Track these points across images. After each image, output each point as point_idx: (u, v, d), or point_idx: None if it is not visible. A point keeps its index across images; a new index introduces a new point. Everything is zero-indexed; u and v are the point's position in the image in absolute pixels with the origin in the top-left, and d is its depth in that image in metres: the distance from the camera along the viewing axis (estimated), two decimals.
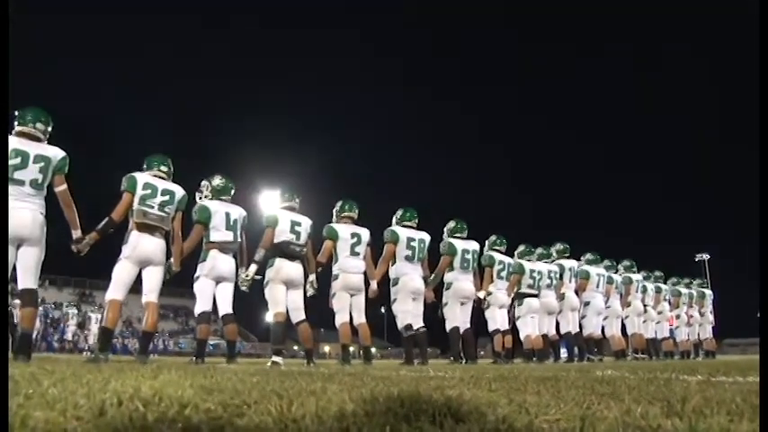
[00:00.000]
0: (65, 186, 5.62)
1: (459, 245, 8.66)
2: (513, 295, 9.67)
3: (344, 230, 7.60)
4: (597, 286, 11.13)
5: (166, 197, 6.24)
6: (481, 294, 8.94)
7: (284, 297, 6.95)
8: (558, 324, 10.61)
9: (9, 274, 5.27)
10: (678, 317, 14.07)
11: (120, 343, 29.26)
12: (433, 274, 8.37)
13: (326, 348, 55.24)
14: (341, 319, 7.47)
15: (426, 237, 8.21)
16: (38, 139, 5.54)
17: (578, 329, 10.73)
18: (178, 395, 1.63)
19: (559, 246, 11.23)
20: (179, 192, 6.40)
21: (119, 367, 3.80)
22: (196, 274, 6.82)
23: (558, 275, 10.50)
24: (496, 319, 9.28)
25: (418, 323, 7.83)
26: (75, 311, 28.43)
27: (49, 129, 5.69)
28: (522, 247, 10.18)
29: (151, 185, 6.17)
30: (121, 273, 6.01)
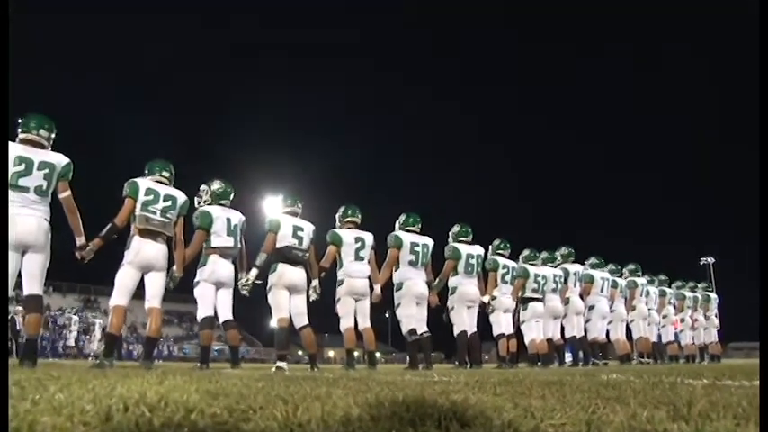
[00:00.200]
0: (69, 193, 5.63)
1: (464, 249, 8.65)
2: (517, 299, 9.65)
3: (348, 235, 7.60)
4: (601, 290, 11.11)
5: (168, 203, 6.24)
6: (485, 299, 8.93)
7: (287, 302, 6.94)
8: (563, 328, 10.59)
9: (14, 280, 5.28)
10: (683, 320, 14.03)
11: (126, 349, 29.24)
12: (438, 279, 8.38)
13: (330, 353, 55.29)
14: (345, 323, 7.45)
15: (430, 241, 8.20)
16: (42, 146, 5.55)
17: (583, 333, 10.71)
18: (184, 400, 1.64)
19: (564, 250, 11.21)
20: (181, 197, 6.40)
21: (124, 373, 3.80)
22: (196, 279, 6.80)
23: (562, 280, 10.49)
24: (501, 324, 9.27)
25: (422, 328, 7.82)
26: (77, 318, 28.52)
27: (53, 135, 5.70)
28: (526, 252, 10.16)
29: (153, 191, 6.17)
30: (124, 278, 6.01)
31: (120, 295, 6.00)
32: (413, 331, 7.69)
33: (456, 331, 8.50)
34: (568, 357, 11.01)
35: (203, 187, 7.12)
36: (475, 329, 8.60)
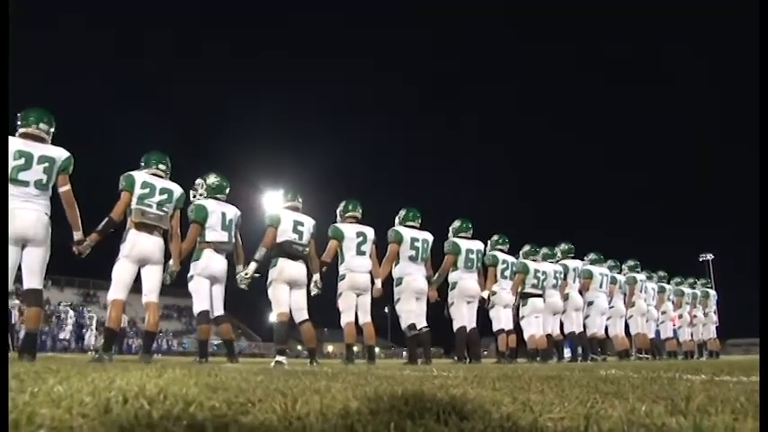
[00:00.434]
0: (68, 187, 5.62)
1: (464, 244, 8.67)
2: (517, 295, 9.66)
3: (350, 230, 7.61)
4: (600, 286, 11.13)
5: (165, 196, 6.23)
6: (485, 294, 8.94)
7: (287, 297, 6.95)
8: (561, 324, 10.61)
9: (14, 274, 5.29)
10: (681, 317, 14.05)
11: (125, 343, 29.25)
12: (437, 274, 8.39)
13: (330, 348, 55.30)
14: (346, 318, 7.47)
15: (430, 237, 8.22)
16: (42, 140, 5.55)
17: (582, 329, 10.73)
18: (183, 393, 1.64)
19: (564, 246, 11.22)
20: (177, 190, 6.39)
21: (123, 366, 3.81)
22: (190, 274, 6.78)
23: (562, 275, 10.50)
24: (501, 319, 9.28)
25: (422, 323, 7.83)
26: (72, 312, 28.51)
27: (53, 129, 5.69)
28: (527, 247, 10.17)
29: (149, 184, 6.16)
30: (121, 272, 6.01)
31: (117, 289, 6.00)
32: (412, 326, 7.70)
33: (455, 326, 8.51)
34: (567, 353, 11.03)
35: (199, 181, 7.10)
36: (474, 325, 8.62)
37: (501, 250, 9.64)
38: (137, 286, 6.18)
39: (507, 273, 9.51)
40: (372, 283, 7.67)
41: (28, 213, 5.24)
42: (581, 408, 1.56)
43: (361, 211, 7.86)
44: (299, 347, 38.31)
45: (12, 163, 5.22)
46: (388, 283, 7.92)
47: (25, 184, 5.27)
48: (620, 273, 12.18)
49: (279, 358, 6.60)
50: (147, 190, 6.11)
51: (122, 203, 6.03)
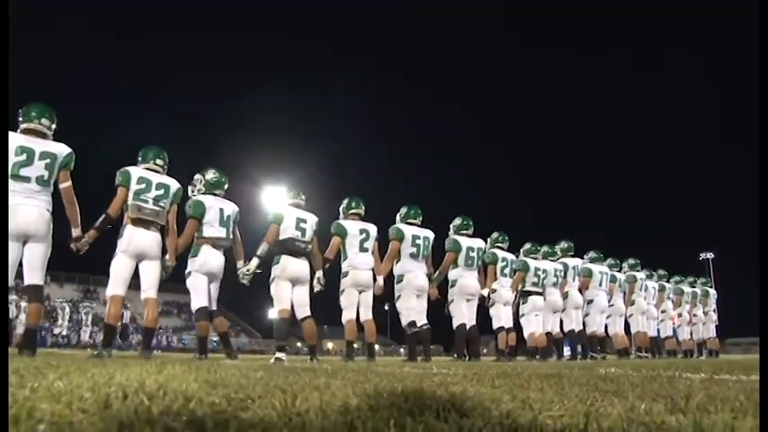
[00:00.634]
0: (69, 183, 5.63)
1: (464, 242, 8.67)
2: (517, 293, 9.67)
3: (353, 227, 7.63)
4: (600, 284, 11.13)
5: (161, 191, 6.21)
6: (485, 292, 8.94)
7: (289, 294, 6.94)
8: (561, 322, 10.61)
9: (15, 270, 5.30)
10: (680, 315, 14.05)
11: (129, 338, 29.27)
12: (438, 272, 8.40)
13: (329, 345, 55.34)
14: (348, 315, 7.48)
15: (431, 234, 8.22)
16: (43, 136, 5.55)
17: (582, 328, 10.73)
18: (182, 389, 1.64)
19: (564, 244, 11.22)
20: (174, 185, 6.37)
21: (123, 362, 3.81)
22: (187, 270, 6.77)
23: (562, 274, 10.50)
24: (501, 317, 9.29)
25: (422, 320, 7.84)
26: (68, 308, 28.58)
27: (54, 125, 5.69)
28: (527, 245, 10.16)
29: (145, 179, 6.13)
30: (119, 267, 5.99)
31: (116, 285, 5.99)
32: (412, 323, 7.71)
33: (455, 324, 8.52)
34: (567, 351, 11.03)
35: (197, 176, 7.08)
36: (474, 322, 8.62)
37: (501, 248, 9.63)
38: (137, 283, 6.17)
39: (507, 270, 9.51)
40: (374, 280, 7.68)
41: (29, 209, 5.26)
42: (580, 406, 1.56)
43: (364, 208, 7.86)
44: (299, 344, 38.37)
45: (13, 159, 5.22)
46: (389, 280, 7.93)
47: (27, 179, 5.27)
48: (619, 271, 12.17)
49: (278, 355, 6.60)
50: (143, 185, 6.09)
51: (119, 199, 6.01)
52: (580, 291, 10.88)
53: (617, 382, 2.69)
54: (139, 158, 6.39)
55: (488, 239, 9.65)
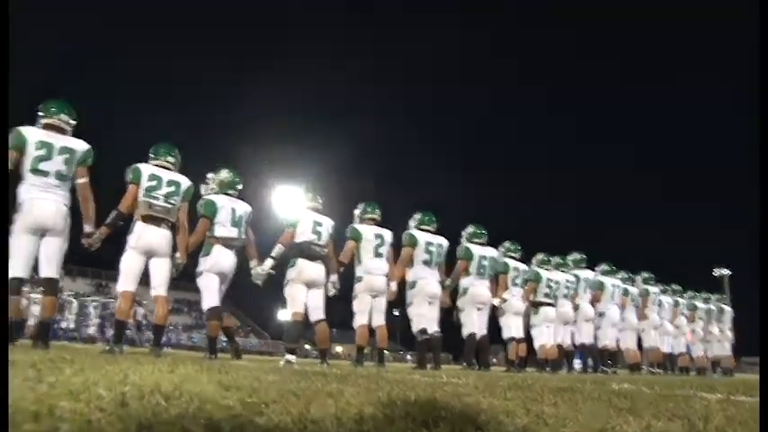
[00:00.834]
0: (86, 179, 5.67)
1: (477, 250, 8.65)
2: (529, 303, 9.61)
3: (368, 232, 7.63)
4: (612, 297, 11.04)
5: (172, 188, 6.18)
6: (496, 301, 8.90)
7: (304, 297, 6.95)
8: (572, 335, 10.54)
9: (31, 263, 5.36)
10: (694, 332, 13.88)
11: (130, 335, 29.36)
12: (450, 279, 8.37)
13: (338, 348, 55.28)
14: (359, 320, 7.48)
15: (444, 241, 8.21)
16: (63, 131, 5.60)
17: (593, 341, 10.66)
18: (198, 391, 1.64)
19: (576, 256, 11.15)
20: (185, 182, 6.34)
21: (135, 359, 3.83)
22: (199, 269, 6.76)
23: (574, 285, 10.44)
24: (511, 327, 9.24)
25: (433, 328, 7.82)
26: (75, 301, 28.78)
27: (73, 121, 5.74)
28: (540, 256, 10.10)
29: (156, 176, 6.12)
30: (129, 263, 5.99)
31: (126, 281, 6.00)
32: (423, 331, 7.69)
33: (465, 333, 8.49)
34: (577, 364, 10.96)
35: (210, 175, 7.09)
36: (485, 332, 8.58)
37: (513, 257, 9.59)
38: (147, 280, 6.18)
39: (518, 280, 9.47)
40: (388, 285, 7.68)
41: (47, 204, 5.31)
42: (596, 423, 1.55)
43: (379, 213, 7.86)
44: (307, 347, 38.38)
45: (33, 153, 5.28)
46: (402, 285, 7.92)
47: (45, 174, 5.33)
48: (632, 285, 12.06)
49: (288, 357, 6.61)
50: (153, 182, 6.07)
51: (130, 196, 5.99)
52: (591, 303, 10.80)
53: (631, 398, 2.67)
54: (150, 155, 6.37)
55: (500, 248, 9.61)
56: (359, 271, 7.60)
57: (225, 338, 7.41)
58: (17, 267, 5.28)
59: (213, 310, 6.65)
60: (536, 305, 9.73)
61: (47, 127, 5.52)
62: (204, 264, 6.68)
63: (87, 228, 5.76)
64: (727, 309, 14.85)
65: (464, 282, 8.59)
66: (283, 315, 53.87)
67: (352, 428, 1.20)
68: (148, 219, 5.99)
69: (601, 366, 10.29)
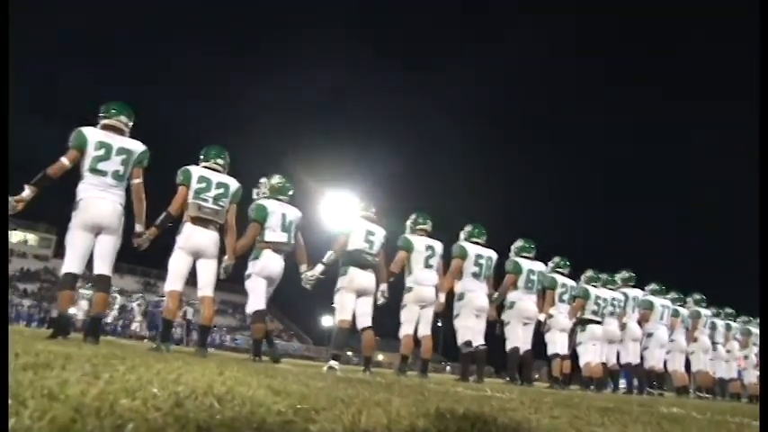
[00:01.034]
0: (141, 180, 5.81)
1: (526, 264, 8.57)
2: (575, 320, 9.46)
3: (420, 243, 7.65)
4: (661, 318, 10.77)
5: (221, 190, 6.24)
6: (542, 317, 8.80)
7: (353, 306, 6.99)
8: (618, 354, 10.33)
9: (86, 260, 5.52)
10: (747, 357, 13.43)
11: (177, 334, 29.87)
12: (498, 293, 8.32)
13: (380, 357, 55.34)
14: (406, 330, 7.51)
15: (494, 254, 8.16)
16: (121, 132, 5.75)
17: (639, 361, 10.42)
18: (249, 395, 1.66)
19: (625, 274, 10.93)
20: (233, 184, 6.39)
21: (183, 359, 3.89)
22: (247, 272, 6.81)
23: (621, 304, 10.23)
24: (556, 343, 9.10)
25: (478, 340, 7.77)
26: (118, 297, 29.40)
27: (131, 123, 5.90)
28: (589, 272, 9.94)
29: (206, 179, 6.19)
30: (177, 263, 6.09)
31: (173, 280, 6.10)
32: (468, 343, 7.65)
33: (509, 347, 8.41)
34: (622, 384, 10.72)
35: (263, 180, 7.15)
36: (529, 347, 8.49)
37: (561, 273, 9.46)
38: (192, 280, 6.26)
39: (566, 297, 9.33)
40: (436, 296, 7.67)
41: (104, 203, 5.46)
42: None
43: (431, 224, 7.88)
44: (349, 353, 38.47)
45: (92, 153, 5.44)
46: (449, 297, 7.90)
47: (103, 174, 5.48)
48: (683, 306, 11.76)
49: (332, 363, 6.63)
50: (203, 184, 6.15)
51: (180, 197, 6.09)
52: (639, 323, 10.57)
53: (682, 423, 2.61)
54: (201, 157, 6.46)
55: (549, 264, 9.49)
56: (409, 281, 7.62)
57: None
58: (72, 263, 5.46)
59: (259, 313, 6.72)
60: (583, 322, 9.57)
61: (106, 127, 5.67)
62: (253, 267, 6.75)
63: (138, 227, 5.89)
64: None
65: (511, 296, 8.51)
66: (327, 321, 54.26)
67: None
68: (197, 220, 6.08)
69: (647, 388, 10.05)
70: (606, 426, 2.22)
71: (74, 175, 5.51)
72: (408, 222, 7.94)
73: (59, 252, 43.41)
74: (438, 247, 7.74)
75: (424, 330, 7.59)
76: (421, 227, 7.83)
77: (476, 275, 7.92)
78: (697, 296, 12.15)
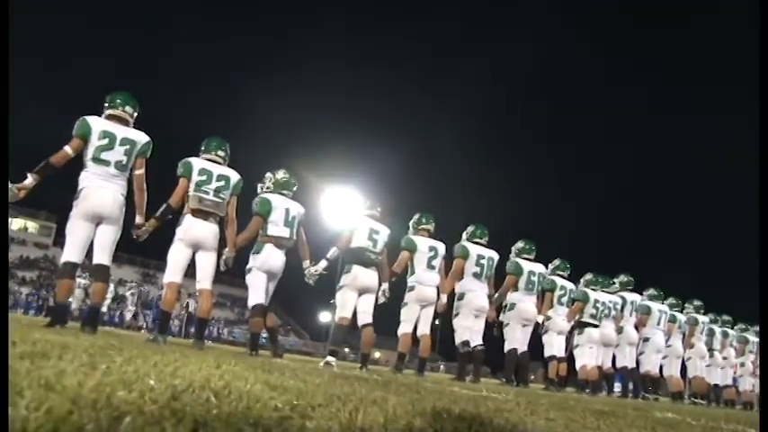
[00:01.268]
0: (142, 171, 5.80)
1: (526, 266, 8.59)
2: (573, 323, 9.46)
3: (423, 243, 7.69)
4: (658, 323, 10.77)
5: (222, 182, 6.23)
6: (540, 319, 8.81)
7: (354, 303, 7.04)
8: (614, 357, 10.34)
9: (85, 249, 5.53)
10: (743, 365, 13.43)
11: (177, 326, 29.90)
12: (498, 294, 8.34)
13: (377, 354, 55.45)
14: (405, 328, 7.56)
15: (495, 255, 8.20)
16: (126, 123, 5.74)
17: (635, 365, 10.43)
18: (246, 390, 1.66)
19: (623, 278, 10.93)
20: (234, 176, 6.37)
21: (180, 351, 3.89)
22: (249, 266, 6.82)
23: (619, 307, 10.24)
24: (553, 345, 9.11)
25: (476, 341, 7.80)
26: (112, 286, 29.51)
27: (136, 114, 5.89)
28: (589, 276, 9.94)
29: (207, 171, 6.17)
30: (176, 255, 6.08)
31: (173, 272, 6.10)
32: (466, 343, 7.68)
33: (507, 347, 8.43)
34: (617, 388, 10.73)
35: (268, 174, 7.14)
36: (525, 348, 8.51)
37: (561, 276, 9.46)
38: (191, 272, 6.25)
39: (564, 299, 9.32)
40: (438, 297, 7.70)
41: (106, 192, 5.46)
42: None
43: (433, 224, 7.92)
44: (346, 350, 38.50)
45: (96, 143, 5.44)
46: (450, 297, 7.92)
47: (106, 163, 5.47)
48: (681, 312, 11.76)
49: (329, 359, 6.64)
50: (204, 177, 6.13)
51: (180, 190, 6.07)
52: (636, 328, 10.57)
53: (677, 429, 2.61)
54: (201, 149, 6.45)
55: (549, 265, 9.49)
56: (411, 281, 7.66)
57: (264, 336, 7.45)
58: (71, 252, 5.46)
59: (258, 308, 6.71)
60: (581, 325, 9.58)
61: (110, 118, 5.67)
62: (254, 261, 6.75)
63: (138, 219, 5.90)
64: None
65: (512, 297, 8.54)
66: (325, 317, 54.31)
67: None
68: (198, 212, 6.07)
69: (642, 392, 10.07)
70: (601, 429, 2.22)
71: (76, 164, 5.51)
72: (411, 223, 7.98)
73: (59, 240, 43.58)
74: (441, 248, 7.78)
75: (424, 330, 7.63)
76: (424, 227, 7.86)
77: (477, 276, 7.94)
78: (697, 303, 12.15)
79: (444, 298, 7.74)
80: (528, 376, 8.67)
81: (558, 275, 9.43)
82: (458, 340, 7.80)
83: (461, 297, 7.93)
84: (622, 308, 10.31)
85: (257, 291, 6.73)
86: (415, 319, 7.60)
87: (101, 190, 5.44)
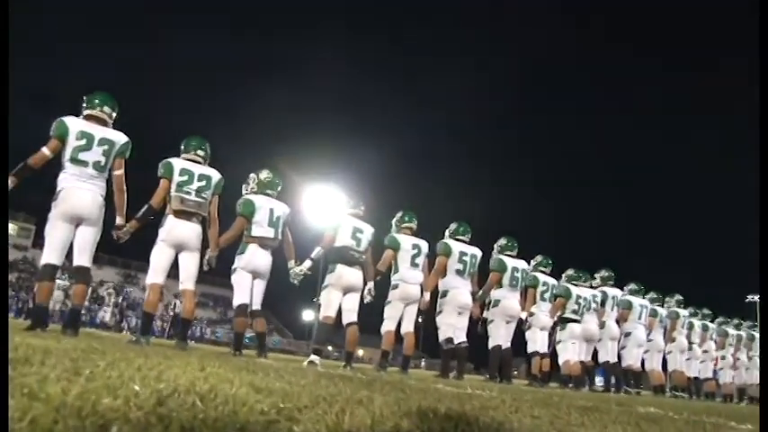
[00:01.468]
0: (122, 171, 5.75)
1: (510, 262, 8.64)
2: (556, 319, 9.52)
3: (406, 241, 7.69)
4: (639, 317, 10.87)
5: (203, 182, 6.20)
6: (523, 315, 8.85)
7: (338, 302, 7.03)
8: (596, 352, 10.42)
9: (65, 251, 5.47)
10: (723, 358, 13.60)
11: (160, 327, 29.68)
12: (482, 290, 8.38)
13: (360, 352, 55.49)
14: (388, 326, 7.56)
15: (478, 252, 8.23)
16: (104, 123, 5.70)
17: (617, 359, 10.52)
18: (232, 393, 1.65)
19: (604, 273, 11.01)
20: (215, 176, 6.35)
21: (163, 353, 3.85)
22: (233, 266, 6.80)
23: (600, 302, 10.32)
24: (537, 341, 9.16)
25: (460, 338, 7.83)
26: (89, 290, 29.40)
27: (115, 114, 5.84)
28: (570, 271, 10.01)
29: (188, 171, 6.14)
30: (159, 256, 6.05)
31: (155, 273, 6.06)
32: (450, 340, 7.70)
33: (491, 344, 8.47)
34: (599, 382, 10.82)
35: (251, 175, 7.11)
36: (509, 345, 8.55)
37: (543, 272, 9.52)
38: (174, 273, 6.22)
39: (547, 295, 9.39)
40: (421, 294, 7.72)
41: (84, 193, 5.41)
42: None
43: (416, 222, 7.92)
44: (330, 348, 38.48)
45: (73, 143, 5.39)
46: (434, 295, 7.94)
47: (84, 164, 5.42)
48: (662, 306, 11.88)
49: (313, 358, 6.64)
50: (185, 177, 6.10)
51: (161, 191, 6.03)
52: (618, 322, 10.66)
53: (660, 423, 2.63)
54: (182, 147, 6.41)
55: (531, 262, 9.55)
56: (395, 279, 7.66)
57: (248, 336, 7.41)
58: (51, 254, 5.41)
59: (242, 307, 6.68)
60: (563, 321, 9.64)
61: (89, 118, 5.62)
62: (239, 262, 6.72)
63: (119, 220, 5.85)
64: (758, 336, 14.53)
65: (496, 293, 8.57)
66: (308, 315, 54.21)
67: None
68: (180, 213, 6.04)
69: (624, 386, 10.15)
70: (586, 426, 2.24)
71: (54, 165, 5.45)
72: (394, 221, 7.98)
73: (38, 242, 43.07)
74: (424, 246, 7.78)
75: (407, 327, 7.65)
76: (406, 225, 7.86)
77: (460, 272, 7.96)
78: (678, 297, 12.29)
79: (427, 295, 7.75)
80: (511, 372, 8.72)
81: (541, 272, 9.49)
82: (441, 337, 7.81)
83: (444, 294, 7.95)
84: (603, 303, 10.40)
85: (242, 291, 6.70)
86: (399, 316, 7.60)
87: (79, 191, 5.38)
